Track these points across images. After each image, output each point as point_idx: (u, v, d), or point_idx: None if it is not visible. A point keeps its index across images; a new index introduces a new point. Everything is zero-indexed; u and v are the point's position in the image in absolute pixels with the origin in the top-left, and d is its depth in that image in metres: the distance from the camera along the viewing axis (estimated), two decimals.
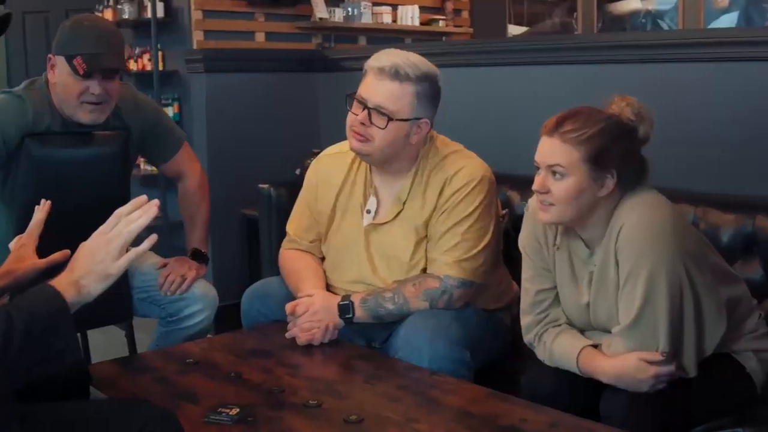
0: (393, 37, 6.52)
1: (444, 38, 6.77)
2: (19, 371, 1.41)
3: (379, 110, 2.31)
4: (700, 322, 1.95)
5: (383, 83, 2.30)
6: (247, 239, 4.14)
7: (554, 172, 1.97)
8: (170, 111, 5.60)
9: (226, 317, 2.84)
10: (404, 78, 2.30)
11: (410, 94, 2.31)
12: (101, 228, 1.54)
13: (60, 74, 2.48)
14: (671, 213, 1.97)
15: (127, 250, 1.53)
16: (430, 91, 2.33)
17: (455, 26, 6.91)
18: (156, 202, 1.55)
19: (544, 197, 2.00)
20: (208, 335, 2.75)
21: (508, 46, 3.69)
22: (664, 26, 5.77)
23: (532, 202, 2.13)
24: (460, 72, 3.73)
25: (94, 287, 1.49)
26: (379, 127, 2.31)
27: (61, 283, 1.48)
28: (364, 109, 2.33)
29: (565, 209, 1.98)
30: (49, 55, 2.51)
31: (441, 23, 6.77)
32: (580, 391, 2.03)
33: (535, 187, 2.01)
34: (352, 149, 2.42)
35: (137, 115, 2.70)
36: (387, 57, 2.33)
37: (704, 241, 2.08)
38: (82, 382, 1.99)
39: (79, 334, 2.95)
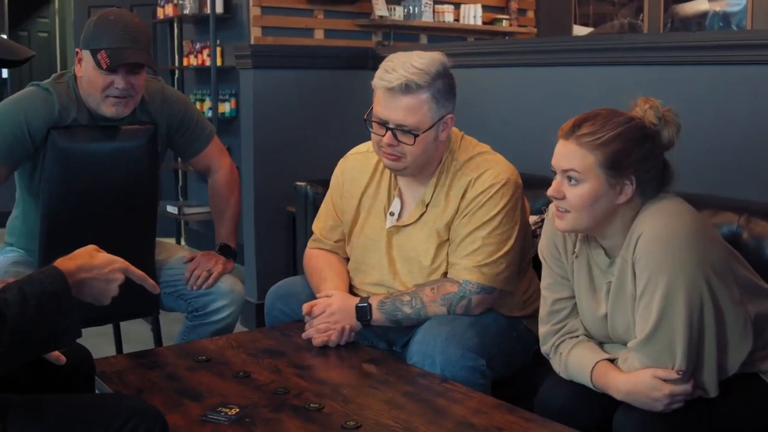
0: (454, 36, 6.46)
1: (507, 38, 6.67)
2: (29, 346, 1.43)
3: (402, 129, 2.24)
4: (722, 339, 1.84)
5: (397, 101, 2.22)
6: (293, 236, 4.13)
7: (569, 178, 1.88)
8: (227, 106, 5.66)
9: None
10: (416, 89, 2.22)
11: (427, 102, 2.23)
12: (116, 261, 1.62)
13: (86, 68, 2.50)
14: (693, 222, 1.87)
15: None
16: (445, 88, 2.26)
17: (519, 26, 6.81)
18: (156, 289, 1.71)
19: (559, 203, 1.92)
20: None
21: (544, 46, 3.59)
22: (733, 28, 5.57)
23: (552, 207, 2.05)
24: (513, 72, 3.66)
25: (91, 296, 1.57)
26: (408, 144, 2.25)
27: (64, 264, 1.53)
28: (386, 131, 2.26)
29: (580, 216, 1.89)
30: (77, 49, 2.53)
31: (504, 23, 6.68)
32: (596, 407, 1.95)
33: (550, 192, 1.92)
34: (387, 167, 2.37)
35: (165, 109, 2.70)
36: (393, 73, 2.22)
37: (732, 252, 1.96)
38: (87, 374, 1.98)
39: (111, 326, 3.02)
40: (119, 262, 1.63)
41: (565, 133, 1.89)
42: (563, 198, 1.90)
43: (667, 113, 1.90)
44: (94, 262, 1.60)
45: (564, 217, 1.92)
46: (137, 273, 1.67)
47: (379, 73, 2.27)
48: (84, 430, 1.55)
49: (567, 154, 1.88)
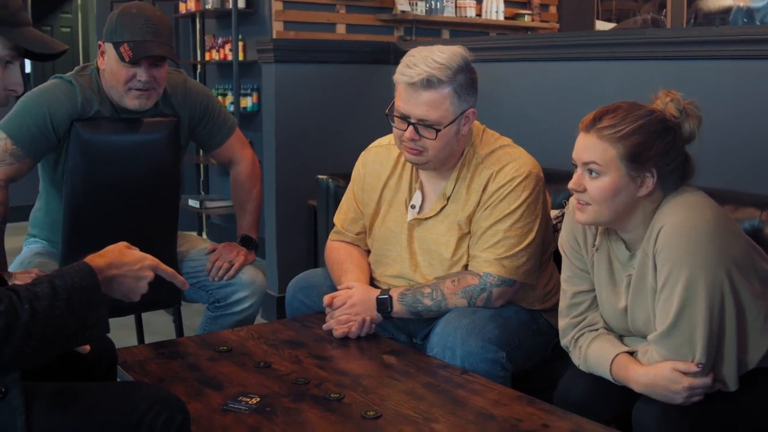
0: (477, 31, 6.45)
1: (529, 33, 6.66)
2: (58, 340, 1.45)
3: (424, 123, 2.25)
4: (742, 333, 1.84)
5: (418, 95, 2.23)
6: (314, 229, 4.15)
7: (590, 170, 1.88)
8: (249, 101, 5.68)
9: None
10: (438, 84, 2.22)
11: (449, 96, 2.24)
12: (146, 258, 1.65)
13: (109, 61, 2.52)
14: (715, 216, 1.86)
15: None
16: (466, 82, 2.26)
17: (542, 21, 6.79)
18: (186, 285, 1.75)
19: (580, 196, 1.92)
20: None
21: (566, 41, 3.58)
22: (757, 24, 5.52)
23: (573, 201, 2.05)
24: (535, 66, 3.65)
25: (119, 291, 1.60)
26: (430, 139, 2.26)
27: (95, 261, 1.55)
28: (408, 125, 2.27)
29: (601, 209, 1.89)
30: (99, 42, 2.55)
31: (527, 18, 6.66)
32: (615, 400, 1.96)
33: (570, 185, 1.92)
34: (408, 161, 2.38)
35: (187, 101, 2.71)
36: (414, 68, 2.22)
37: (754, 247, 1.95)
38: (109, 362, 2.01)
39: (133, 317, 3.05)
40: (149, 259, 1.64)
41: (585, 126, 1.89)
42: (584, 191, 1.90)
43: (689, 106, 1.90)
44: (124, 259, 1.61)
45: (585, 209, 1.92)
46: (167, 270, 1.69)
47: (400, 68, 2.27)
48: (108, 417, 1.57)
49: (588, 147, 1.88)
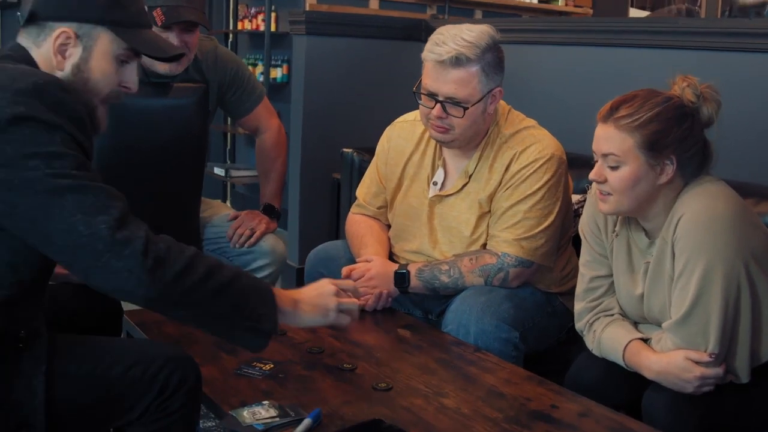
0: (509, 13, 6.41)
1: (562, 17, 6.61)
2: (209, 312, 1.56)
3: (452, 101, 2.25)
4: (756, 326, 1.83)
5: (447, 73, 2.23)
6: (337, 202, 4.17)
7: (610, 161, 1.88)
8: (279, 72, 5.69)
9: None
10: (466, 62, 2.22)
11: (477, 74, 2.23)
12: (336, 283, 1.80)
13: None
14: (736, 206, 1.86)
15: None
16: (494, 61, 2.26)
17: (576, 6, 6.74)
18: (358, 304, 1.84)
19: (601, 187, 1.92)
20: None
21: (598, 26, 3.57)
22: None
23: (595, 188, 2.05)
24: (565, 50, 3.64)
25: (308, 316, 1.71)
26: (457, 117, 2.26)
27: (282, 292, 1.69)
28: (435, 103, 2.27)
29: (622, 199, 1.89)
30: None
31: (560, 2, 6.61)
32: (626, 386, 1.97)
33: (591, 176, 1.93)
34: (434, 139, 2.39)
35: (217, 69, 2.73)
36: (443, 46, 2.22)
37: None
38: (115, 317, 2.06)
39: None
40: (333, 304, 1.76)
41: (603, 117, 1.89)
42: (605, 181, 1.90)
43: (706, 90, 1.88)
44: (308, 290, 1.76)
45: (606, 200, 1.92)
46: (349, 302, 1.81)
47: (428, 45, 2.27)
48: (123, 371, 1.61)
49: (606, 138, 1.88)
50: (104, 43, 1.62)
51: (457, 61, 2.21)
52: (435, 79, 2.25)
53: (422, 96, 2.30)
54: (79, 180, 1.43)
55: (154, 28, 2.46)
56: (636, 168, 1.85)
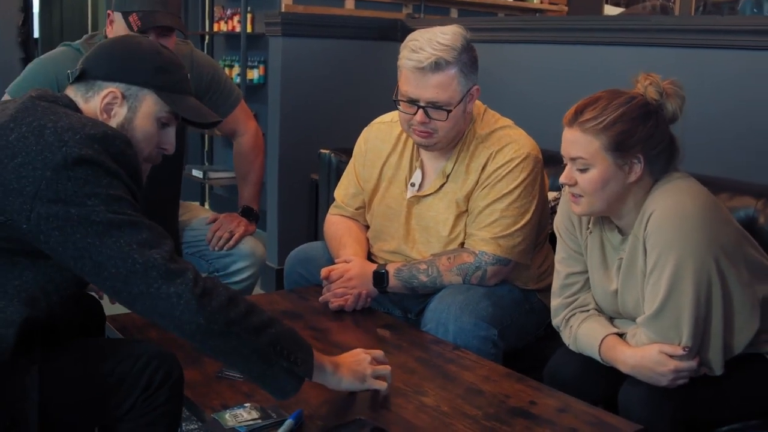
0: (485, 11, 6.43)
1: (537, 15, 6.65)
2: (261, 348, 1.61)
3: (434, 105, 2.27)
4: (728, 319, 1.87)
5: (427, 79, 2.24)
6: (315, 203, 4.18)
7: (578, 164, 1.91)
8: (255, 73, 5.68)
9: None
10: (445, 65, 2.23)
11: (456, 76, 2.25)
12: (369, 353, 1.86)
13: (117, 30, 2.54)
14: (705, 202, 1.89)
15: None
16: (469, 60, 2.28)
17: (550, 3, 6.77)
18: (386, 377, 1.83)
19: (572, 189, 1.95)
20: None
21: (573, 25, 3.60)
22: (766, 14, 5.50)
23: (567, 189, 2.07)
24: (541, 49, 3.67)
25: (347, 379, 1.75)
26: (440, 120, 2.28)
27: (322, 354, 1.74)
28: (417, 109, 2.28)
29: (593, 200, 1.92)
30: (108, 11, 2.57)
31: (536, 0, 6.64)
32: (603, 381, 1.99)
33: (561, 180, 1.96)
34: (418, 145, 2.40)
35: (193, 73, 2.72)
36: (421, 52, 2.23)
37: (744, 234, 1.98)
38: (97, 322, 2.11)
39: None
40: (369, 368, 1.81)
41: (568, 121, 1.92)
42: (575, 184, 1.93)
43: (669, 87, 1.91)
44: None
45: (578, 201, 1.95)
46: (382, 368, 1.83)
47: (405, 53, 2.28)
48: (112, 366, 1.67)
49: (573, 142, 1.91)
50: (149, 105, 1.74)
51: (437, 65, 2.23)
52: (415, 85, 2.26)
53: (402, 103, 2.32)
54: (134, 217, 1.55)
55: (130, 33, 2.48)
56: (604, 169, 1.88)
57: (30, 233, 1.53)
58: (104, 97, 1.71)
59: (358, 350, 1.85)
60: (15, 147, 1.54)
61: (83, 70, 1.73)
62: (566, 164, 1.95)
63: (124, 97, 1.72)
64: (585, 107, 1.90)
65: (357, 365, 1.79)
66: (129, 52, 1.77)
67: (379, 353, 1.87)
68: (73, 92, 1.74)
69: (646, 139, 1.88)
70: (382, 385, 1.79)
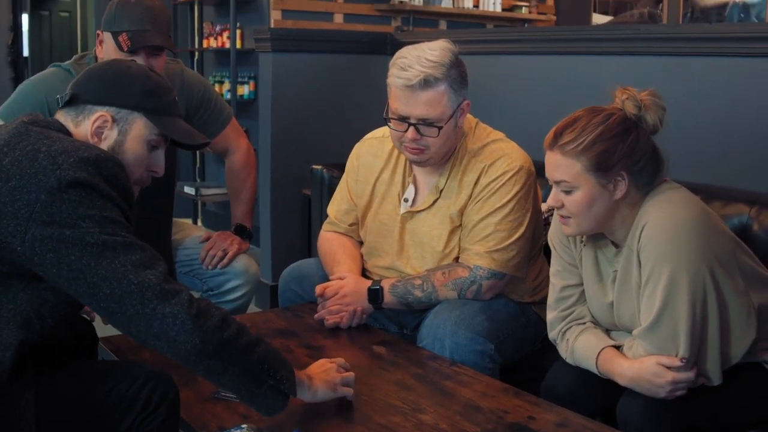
0: (474, 22, 6.46)
1: (526, 25, 6.68)
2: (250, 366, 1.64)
3: (425, 122, 2.26)
4: (725, 329, 1.86)
5: (417, 96, 2.23)
6: (308, 218, 4.18)
7: (563, 186, 1.91)
8: (246, 89, 5.69)
9: None
10: (435, 82, 2.23)
11: (446, 92, 2.25)
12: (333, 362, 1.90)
13: (107, 50, 2.54)
14: (697, 212, 1.89)
15: None
16: (459, 76, 2.28)
17: (539, 13, 6.80)
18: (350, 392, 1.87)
19: (560, 211, 1.95)
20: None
21: (562, 35, 3.61)
22: (753, 20, 5.54)
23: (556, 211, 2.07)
24: (531, 60, 3.67)
25: (322, 390, 1.79)
26: (432, 137, 2.27)
27: (297, 369, 1.77)
28: (408, 126, 2.28)
29: (582, 221, 1.93)
30: (98, 31, 2.57)
31: (524, 10, 6.68)
32: (601, 393, 1.98)
33: (548, 203, 1.97)
34: (411, 161, 2.40)
35: (184, 91, 2.73)
36: (410, 70, 2.22)
37: (737, 242, 1.98)
38: (90, 344, 2.11)
39: None
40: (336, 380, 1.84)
41: (549, 144, 1.92)
42: (562, 206, 1.93)
43: (646, 98, 1.90)
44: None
45: (568, 222, 1.95)
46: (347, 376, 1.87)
47: (394, 71, 2.27)
48: (109, 387, 1.67)
49: (555, 165, 1.91)
50: (139, 128, 1.76)
51: (426, 83, 2.22)
52: (405, 103, 2.26)
53: (392, 121, 2.31)
54: (127, 239, 1.56)
55: (120, 53, 2.48)
56: (588, 190, 1.88)
57: (24, 255, 1.54)
58: (95, 121, 1.72)
59: (324, 360, 1.89)
60: (9, 171, 1.55)
61: (73, 94, 1.75)
62: (552, 187, 1.95)
63: (114, 120, 1.74)
64: (564, 129, 1.90)
65: (327, 375, 1.82)
66: (118, 76, 1.78)
67: (341, 360, 1.90)
68: (63, 116, 1.76)
69: (627, 156, 1.87)
70: (349, 392, 1.84)
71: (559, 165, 1.89)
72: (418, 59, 2.24)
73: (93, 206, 1.54)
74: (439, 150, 2.31)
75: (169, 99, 1.83)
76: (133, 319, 1.54)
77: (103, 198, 1.56)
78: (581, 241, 2.05)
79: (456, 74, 2.27)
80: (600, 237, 2.02)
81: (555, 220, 2.13)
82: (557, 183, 1.92)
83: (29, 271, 1.57)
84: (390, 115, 2.31)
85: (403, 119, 2.27)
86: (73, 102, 1.75)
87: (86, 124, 1.73)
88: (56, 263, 1.53)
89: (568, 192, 1.90)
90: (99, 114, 1.73)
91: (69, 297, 1.62)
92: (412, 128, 2.26)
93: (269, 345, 1.70)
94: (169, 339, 1.54)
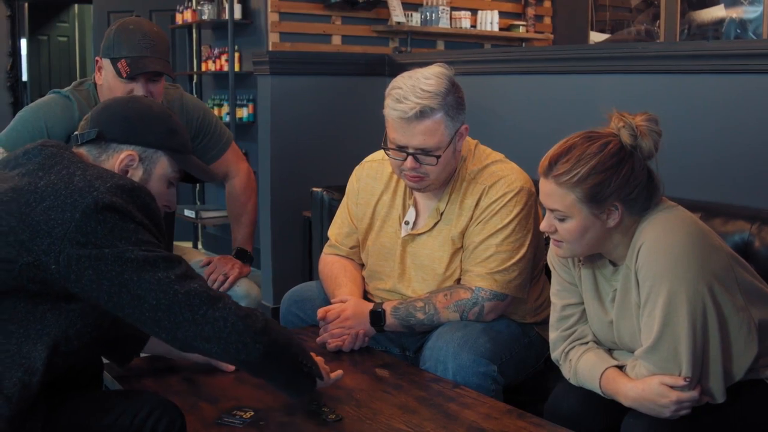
0: (471, 42, 6.49)
1: (524, 44, 6.70)
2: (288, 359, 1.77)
3: (423, 151, 2.26)
4: (726, 346, 1.86)
5: (413, 127, 2.23)
6: (308, 241, 4.18)
7: (556, 214, 1.91)
8: (245, 111, 5.71)
9: None
10: (431, 112, 2.23)
11: (442, 121, 2.25)
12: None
13: (106, 76, 2.54)
14: (693, 230, 1.89)
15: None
16: (455, 102, 2.28)
17: (536, 32, 6.83)
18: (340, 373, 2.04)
19: (553, 236, 1.96)
20: None
21: (559, 54, 3.62)
22: (750, 36, 5.56)
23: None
24: (529, 79, 3.68)
25: (325, 378, 1.93)
26: (431, 165, 2.28)
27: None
28: (407, 156, 2.28)
29: (574, 246, 1.94)
30: (96, 58, 2.57)
31: (521, 29, 6.70)
32: (605, 414, 1.97)
33: (542, 228, 1.98)
34: (411, 188, 2.40)
35: (183, 116, 2.73)
36: (406, 102, 2.21)
37: (736, 258, 1.97)
38: (95, 370, 2.07)
39: None
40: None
41: (543, 172, 1.92)
42: (555, 232, 1.94)
43: (642, 125, 1.88)
44: None
45: (561, 246, 1.96)
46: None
47: (389, 102, 2.27)
48: (115, 417, 1.69)
49: (548, 194, 1.91)
50: (162, 167, 1.83)
51: (422, 114, 2.22)
52: (402, 133, 2.26)
53: (391, 150, 2.31)
54: (166, 254, 1.61)
55: (119, 80, 2.48)
56: (581, 220, 1.89)
57: (59, 274, 1.55)
58: (122, 160, 1.77)
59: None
60: (44, 192, 1.57)
61: (100, 132, 1.79)
62: (546, 212, 1.95)
63: (140, 159, 1.79)
64: (558, 158, 1.90)
65: (322, 365, 1.95)
66: (141, 115, 1.83)
67: (340, 372, 2.06)
68: (84, 153, 1.79)
69: (621, 187, 1.87)
70: (340, 374, 2.04)
71: (553, 194, 1.90)
72: (413, 90, 2.23)
73: (126, 229, 1.57)
74: (438, 176, 2.31)
75: (187, 137, 1.91)
76: (182, 326, 1.58)
77: (135, 223, 1.59)
78: (579, 261, 2.05)
79: (452, 100, 2.27)
80: (598, 257, 2.02)
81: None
82: (551, 210, 1.92)
83: (60, 291, 1.59)
84: (389, 145, 2.31)
85: (402, 149, 2.28)
86: (97, 140, 1.78)
87: (111, 163, 1.77)
88: (95, 279, 1.55)
89: (561, 219, 1.91)
90: (127, 153, 1.77)
91: (96, 320, 1.65)
92: (410, 157, 2.27)
93: (296, 337, 1.85)
94: (221, 341, 1.61)
